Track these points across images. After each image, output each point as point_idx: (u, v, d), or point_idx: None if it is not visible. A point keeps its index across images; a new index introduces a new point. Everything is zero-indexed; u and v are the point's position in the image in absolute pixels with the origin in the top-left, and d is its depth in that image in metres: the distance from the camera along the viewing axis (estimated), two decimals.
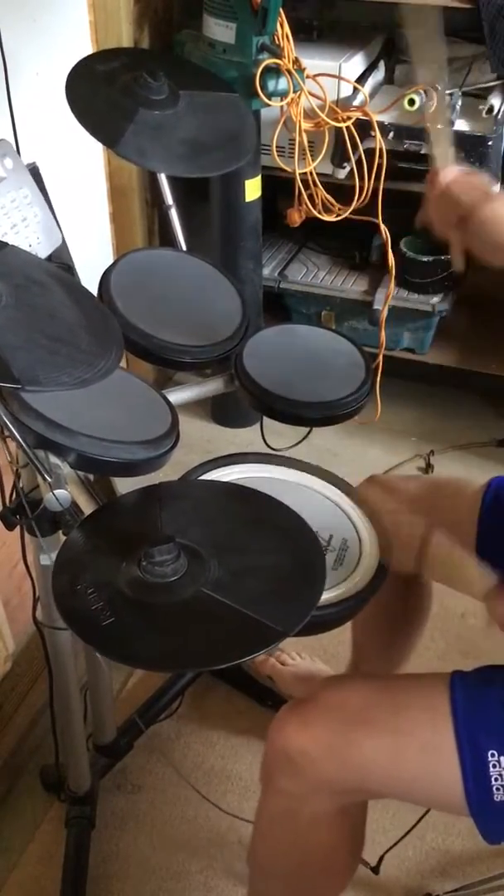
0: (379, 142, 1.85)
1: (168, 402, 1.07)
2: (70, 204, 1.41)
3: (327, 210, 1.98)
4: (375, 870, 1.35)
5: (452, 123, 1.06)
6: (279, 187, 2.01)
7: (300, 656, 1.68)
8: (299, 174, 1.92)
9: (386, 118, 1.87)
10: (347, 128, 1.85)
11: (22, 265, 0.94)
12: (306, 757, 0.97)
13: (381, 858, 1.35)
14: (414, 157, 1.90)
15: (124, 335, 0.97)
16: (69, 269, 1.17)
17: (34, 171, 1.14)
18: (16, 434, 0.88)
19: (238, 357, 1.16)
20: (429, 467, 2.21)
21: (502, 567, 1.10)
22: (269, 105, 1.74)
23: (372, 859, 1.35)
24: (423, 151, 1.88)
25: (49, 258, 1.15)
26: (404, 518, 1.01)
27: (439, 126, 1.09)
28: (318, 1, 2.02)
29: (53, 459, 0.90)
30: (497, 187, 1.02)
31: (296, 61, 1.75)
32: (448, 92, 1.86)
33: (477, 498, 1.14)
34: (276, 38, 1.73)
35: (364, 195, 1.91)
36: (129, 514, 0.94)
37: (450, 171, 1.03)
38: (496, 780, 0.90)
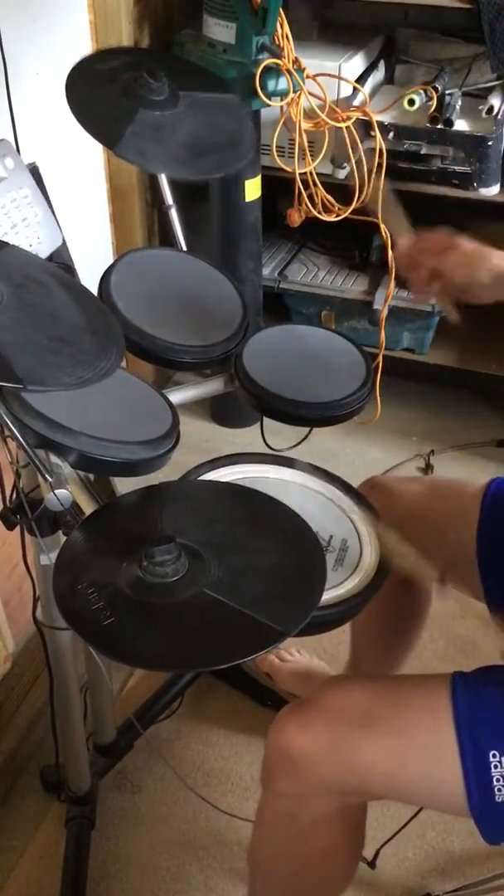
0: (379, 142, 1.85)
1: (168, 402, 1.07)
2: (70, 204, 1.42)
3: (327, 210, 1.98)
4: (372, 864, 1.35)
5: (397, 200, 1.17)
6: (279, 187, 2.01)
7: (299, 653, 1.68)
8: (299, 174, 1.92)
9: (386, 118, 1.88)
10: (347, 128, 1.85)
11: (23, 265, 0.94)
12: (307, 758, 0.97)
13: (377, 852, 1.35)
14: (414, 157, 1.91)
15: (124, 335, 0.97)
16: (69, 269, 1.17)
17: (34, 171, 1.15)
18: (16, 434, 0.88)
19: (238, 357, 1.16)
20: (429, 467, 2.21)
21: (502, 569, 1.10)
22: (269, 105, 1.74)
23: (370, 856, 1.35)
24: (423, 151, 1.89)
25: (49, 258, 1.15)
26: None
27: (388, 199, 1.17)
28: (318, 1, 2.02)
29: (54, 459, 0.90)
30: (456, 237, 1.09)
31: (296, 61, 1.75)
32: (448, 92, 1.86)
33: (476, 500, 1.14)
34: (276, 38, 1.73)
35: (364, 195, 1.91)
36: (130, 514, 0.94)
37: (405, 239, 1.11)
38: (498, 780, 0.90)
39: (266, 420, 1.19)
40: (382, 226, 1.93)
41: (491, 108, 1.85)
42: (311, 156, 1.90)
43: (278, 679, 1.63)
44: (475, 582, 1.11)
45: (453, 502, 1.18)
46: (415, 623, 1.39)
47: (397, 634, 1.40)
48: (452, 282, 1.06)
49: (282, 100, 1.76)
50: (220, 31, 1.73)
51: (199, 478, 1.09)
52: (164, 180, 1.27)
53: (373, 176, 1.87)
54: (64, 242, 1.18)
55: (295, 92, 1.75)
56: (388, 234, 1.14)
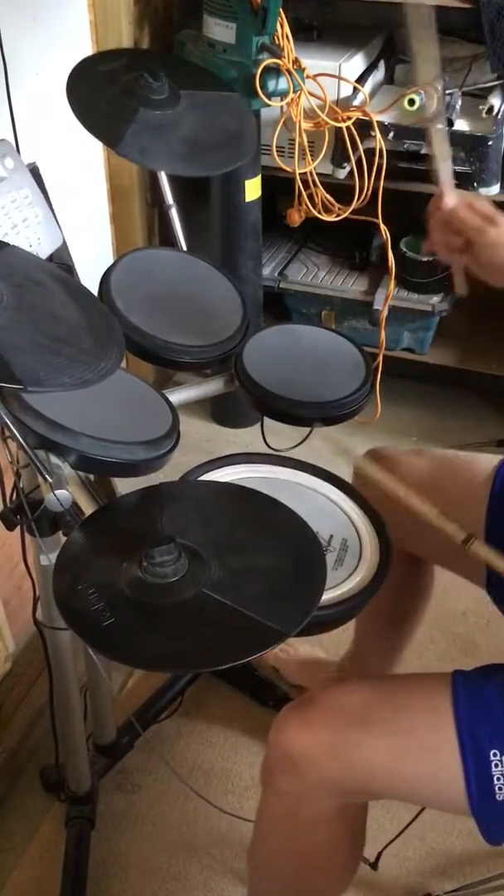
0: (379, 142, 1.85)
1: (168, 402, 1.07)
2: (70, 204, 1.41)
3: (327, 210, 1.98)
4: (374, 866, 1.35)
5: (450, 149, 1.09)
6: (279, 187, 2.01)
7: (304, 645, 1.67)
8: (299, 174, 1.92)
9: (386, 118, 1.88)
10: (347, 128, 1.85)
11: (23, 265, 0.94)
12: (307, 758, 0.97)
13: (379, 854, 1.35)
14: (414, 157, 1.91)
15: (124, 335, 0.97)
16: (69, 269, 1.17)
17: (34, 171, 1.15)
18: (17, 434, 0.88)
19: (238, 357, 1.16)
20: None
21: None
22: (269, 105, 1.74)
23: (371, 858, 1.35)
24: (423, 151, 1.88)
25: (49, 258, 1.15)
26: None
27: (443, 149, 1.09)
28: (318, 1, 2.02)
29: (54, 460, 0.90)
30: (499, 214, 1.03)
31: (296, 61, 1.75)
32: (448, 92, 1.86)
33: (486, 484, 1.14)
34: (276, 38, 1.73)
35: (364, 195, 1.91)
36: (130, 515, 0.94)
37: (452, 196, 1.04)
38: (498, 779, 0.90)
39: (266, 420, 1.19)
40: (382, 226, 1.93)
41: (491, 108, 1.85)
42: (311, 156, 1.90)
43: (286, 672, 1.62)
44: (479, 567, 1.10)
45: (461, 482, 1.17)
46: (419, 599, 1.38)
47: (401, 614, 1.40)
48: (481, 258, 1.01)
49: (282, 100, 1.76)
50: (220, 31, 1.73)
51: (199, 478, 1.09)
52: (164, 180, 1.27)
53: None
54: (64, 242, 1.18)
55: (295, 92, 1.75)
56: (437, 179, 1.06)
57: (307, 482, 1.13)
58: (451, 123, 1.85)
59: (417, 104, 1.84)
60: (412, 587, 1.36)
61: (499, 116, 1.84)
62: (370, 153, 1.87)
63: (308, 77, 1.79)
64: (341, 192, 1.95)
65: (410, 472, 1.20)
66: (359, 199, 1.91)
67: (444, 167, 1.07)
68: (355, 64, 1.92)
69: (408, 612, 1.40)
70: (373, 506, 1.09)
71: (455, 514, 1.13)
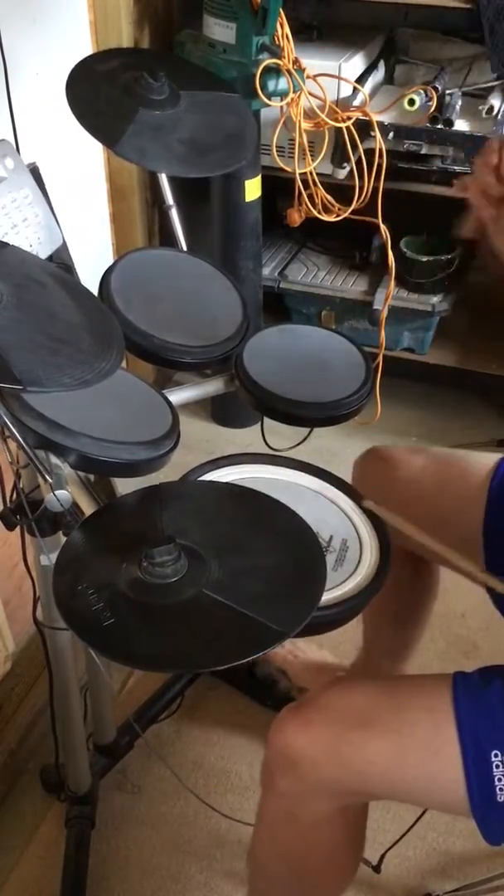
0: (379, 142, 1.85)
1: (168, 403, 1.06)
2: (70, 204, 1.41)
3: (327, 210, 1.98)
4: (377, 869, 1.35)
5: None
6: (279, 187, 2.01)
7: (312, 646, 1.67)
8: (299, 174, 1.92)
9: (386, 118, 1.88)
10: (347, 128, 1.85)
11: (23, 265, 0.94)
12: (307, 758, 0.97)
13: (382, 857, 1.35)
14: (414, 157, 1.91)
15: (124, 335, 0.97)
16: (69, 269, 1.17)
17: (34, 171, 1.14)
18: (16, 434, 0.88)
19: (238, 357, 1.16)
20: None
21: None
22: (269, 105, 1.74)
23: (373, 859, 1.35)
24: (423, 151, 1.88)
25: (49, 258, 1.15)
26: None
27: None
28: (318, 1, 2.02)
29: (54, 460, 0.90)
30: None
31: (296, 61, 1.75)
32: (448, 92, 1.86)
33: (484, 483, 1.14)
34: (276, 38, 1.73)
35: (364, 195, 1.91)
36: (130, 515, 0.94)
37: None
38: (499, 780, 0.90)
39: (266, 420, 1.19)
40: (382, 226, 1.93)
41: (491, 108, 1.85)
42: (311, 156, 1.90)
43: (291, 673, 1.62)
44: (480, 567, 1.10)
45: (460, 481, 1.17)
46: (425, 598, 1.38)
47: (408, 614, 1.40)
48: None
49: (282, 100, 1.76)
50: (220, 31, 1.73)
51: (200, 478, 1.09)
52: (164, 180, 1.27)
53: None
54: (64, 242, 1.17)
55: (295, 92, 1.75)
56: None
57: (307, 482, 1.13)
58: (450, 123, 1.85)
59: (417, 104, 1.84)
60: (417, 586, 1.36)
61: (499, 116, 1.84)
62: (370, 153, 1.87)
63: (308, 77, 1.79)
64: (341, 192, 1.95)
65: (409, 471, 1.21)
66: (359, 199, 1.91)
67: None
68: (355, 64, 1.92)
69: (414, 611, 1.40)
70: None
71: (454, 512, 1.14)
